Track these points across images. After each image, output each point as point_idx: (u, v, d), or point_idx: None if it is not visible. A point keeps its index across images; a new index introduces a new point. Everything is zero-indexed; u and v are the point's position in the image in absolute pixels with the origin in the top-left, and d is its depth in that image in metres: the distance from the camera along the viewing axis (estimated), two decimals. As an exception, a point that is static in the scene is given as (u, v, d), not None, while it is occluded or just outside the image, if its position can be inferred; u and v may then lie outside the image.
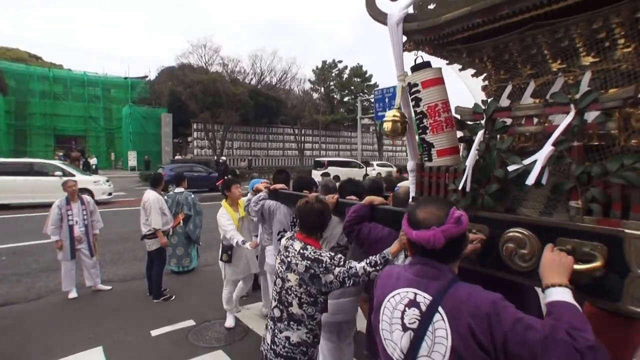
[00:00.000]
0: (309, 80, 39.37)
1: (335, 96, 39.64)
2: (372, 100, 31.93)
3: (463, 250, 1.31)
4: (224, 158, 22.14)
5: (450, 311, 1.13)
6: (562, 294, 1.09)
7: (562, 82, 1.63)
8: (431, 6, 1.73)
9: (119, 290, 5.46)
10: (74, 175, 12.07)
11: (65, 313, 4.69)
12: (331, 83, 39.36)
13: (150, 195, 5.19)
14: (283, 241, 2.33)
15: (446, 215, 1.21)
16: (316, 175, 19.71)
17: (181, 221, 6.01)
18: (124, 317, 4.53)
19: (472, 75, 2.06)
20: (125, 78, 33.05)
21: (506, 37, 1.66)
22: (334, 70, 39.47)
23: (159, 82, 32.83)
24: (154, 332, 4.14)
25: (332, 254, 2.14)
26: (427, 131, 1.86)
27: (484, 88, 2.12)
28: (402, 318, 1.22)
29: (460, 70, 2.05)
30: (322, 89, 39.03)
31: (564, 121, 1.35)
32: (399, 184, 3.52)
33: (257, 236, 4.41)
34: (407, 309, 1.21)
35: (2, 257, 7.03)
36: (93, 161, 25.68)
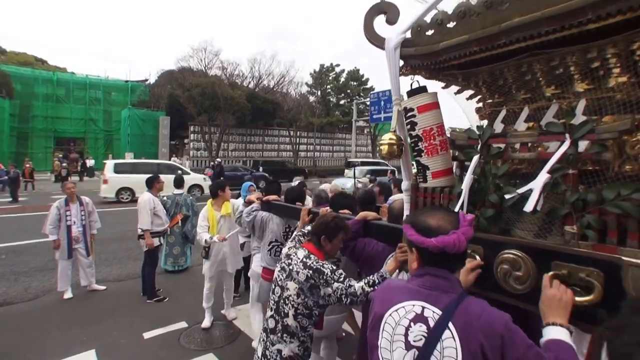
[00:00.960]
0: (306, 84, 39.43)
1: (331, 99, 39.72)
2: (368, 103, 32.14)
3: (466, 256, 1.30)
4: (218, 160, 22.09)
5: (462, 328, 1.07)
6: (561, 334, 1.10)
7: (556, 108, 1.66)
8: (429, 32, 1.75)
9: (113, 290, 5.54)
10: (189, 174, 15.27)
11: (61, 314, 4.74)
12: (328, 86, 39.44)
13: (143, 197, 5.31)
14: (285, 249, 2.34)
15: (458, 219, 1.20)
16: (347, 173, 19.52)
17: (179, 221, 6.14)
18: (118, 319, 4.56)
19: (467, 98, 2.10)
20: (126, 81, 33.12)
21: (502, 64, 1.69)
22: (331, 74, 39.56)
23: (159, 85, 32.77)
24: (147, 335, 4.17)
25: (334, 267, 2.14)
26: (423, 154, 1.88)
27: (477, 110, 2.16)
28: (405, 335, 1.14)
29: (456, 93, 2.09)
30: (319, 92, 39.09)
31: (559, 150, 1.38)
32: (391, 197, 3.57)
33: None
34: (412, 324, 1.13)
35: (1, 255, 7.15)
36: (90, 162, 25.71)
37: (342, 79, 39.64)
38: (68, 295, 5.20)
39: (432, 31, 1.73)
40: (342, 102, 39.90)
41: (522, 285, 1.37)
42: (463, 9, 1.51)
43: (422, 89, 1.92)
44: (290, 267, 2.17)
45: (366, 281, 2.06)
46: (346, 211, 2.86)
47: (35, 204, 13.58)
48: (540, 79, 1.74)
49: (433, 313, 1.12)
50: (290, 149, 35.17)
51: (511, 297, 1.42)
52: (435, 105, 1.87)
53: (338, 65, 39.48)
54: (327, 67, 39.38)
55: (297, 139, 35.15)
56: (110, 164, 14.93)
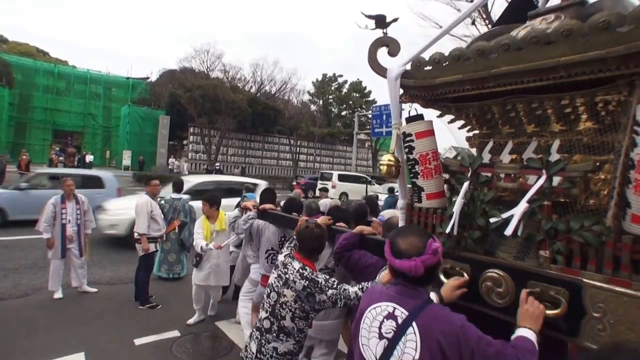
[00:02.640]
0: (308, 92, 39.75)
1: (333, 110, 40.00)
2: (370, 116, 32.31)
3: (436, 275, 1.54)
4: (217, 165, 22.20)
5: (423, 327, 1.32)
6: (527, 333, 1.34)
7: (535, 144, 1.87)
8: (427, 68, 1.97)
9: (104, 293, 5.42)
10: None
11: (50, 313, 4.67)
12: (330, 96, 39.75)
13: (141, 199, 5.21)
14: (281, 257, 2.48)
15: (424, 246, 1.40)
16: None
17: (176, 227, 5.99)
18: (108, 323, 4.50)
19: (459, 128, 2.31)
20: (127, 78, 33.27)
21: (490, 101, 1.91)
22: (333, 84, 39.91)
23: (160, 84, 32.96)
24: (138, 341, 4.08)
25: (327, 277, 2.31)
26: (419, 176, 2.07)
27: (467, 139, 2.36)
28: (380, 328, 1.40)
29: (449, 122, 2.30)
30: (321, 102, 39.39)
31: (537, 183, 1.58)
32: (383, 212, 3.76)
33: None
34: (385, 320, 1.40)
35: None
36: (89, 158, 25.68)
37: (345, 90, 39.97)
38: (58, 295, 5.09)
39: (430, 67, 1.94)
40: (343, 113, 40.17)
41: (502, 299, 1.58)
42: (458, 53, 1.72)
43: (420, 117, 2.12)
44: (287, 276, 2.32)
45: (360, 287, 2.23)
46: (342, 224, 3.03)
47: None
48: (522, 117, 1.95)
49: (401, 313, 1.38)
50: (290, 157, 35.25)
51: (493, 309, 1.63)
52: (431, 133, 2.07)
53: (341, 75, 39.87)
54: (330, 77, 39.72)
55: (298, 148, 35.23)
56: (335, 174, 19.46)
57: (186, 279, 6.17)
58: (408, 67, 2.11)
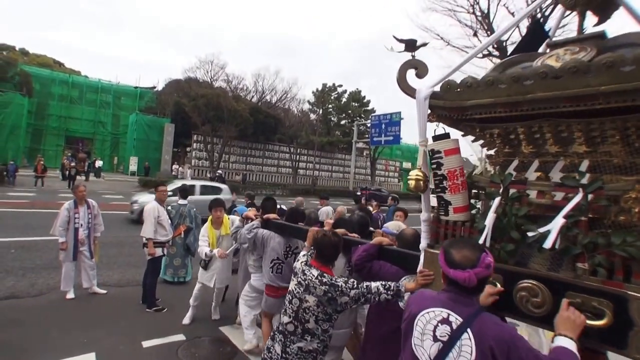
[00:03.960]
0: (308, 102, 40.10)
1: (332, 118, 40.30)
2: (369, 125, 32.56)
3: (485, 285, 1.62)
4: (219, 172, 22.31)
5: (477, 333, 1.43)
6: (568, 344, 1.41)
7: (562, 164, 1.98)
8: (457, 90, 2.07)
9: (113, 294, 5.62)
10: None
11: (63, 313, 4.86)
12: (329, 106, 40.06)
13: (149, 205, 5.36)
14: (298, 265, 2.59)
15: (478, 259, 1.50)
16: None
17: (182, 233, 6.16)
18: (117, 324, 4.64)
19: (481, 146, 2.42)
20: (135, 87, 34.32)
21: (518, 123, 2.01)
22: (333, 94, 40.26)
23: (166, 93, 33.49)
24: (145, 343, 4.21)
25: (346, 279, 2.41)
26: (446, 191, 2.17)
27: (489, 157, 2.47)
28: (434, 331, 1.51)
29: (472, 141, 2.41)
30: (320, 111, 39.67)
31: (573, 199, 1.67)
32: (387, 224, 3.83)
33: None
34: (439, 324, 1.51)
35: (11, 250, 7.31)
36: (99, 163, 26.57)
37: (344, 99, 40.32)
38: (70, 295, 5.30)
39: (461, 90, 2.05)
40: (342, 122, 40.46)
41: (539, 309, 1.66)
42: (491, 79, 1.83)
43: (446, 135, 2.23)
44: (307, 282, 2.42)
45: (382, 284, 2.35)
46: (355, 235, 3.13)
47: (45, 200, 13.86)
48: (548, 138, 2.05)
49: (456, 319, 1.49)
50: (290, 165, 35.40)
51: (528, 318, 1.72)
52: (458, 150, 2.17)
53: (340, 85, 40.32)
54: (329, 86, 40.09)
55: (297, 157, 35.43)
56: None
57: (191, 283, 6.30)
58: (437, 88, 2.22)
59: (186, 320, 4.72)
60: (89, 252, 5.49)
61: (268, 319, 3.88)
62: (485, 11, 14.39)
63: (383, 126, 28.91)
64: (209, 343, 4.40)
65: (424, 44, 2.34)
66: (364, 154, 40.96)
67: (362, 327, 3.60)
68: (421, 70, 2.26)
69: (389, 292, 2.32)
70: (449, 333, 1.47)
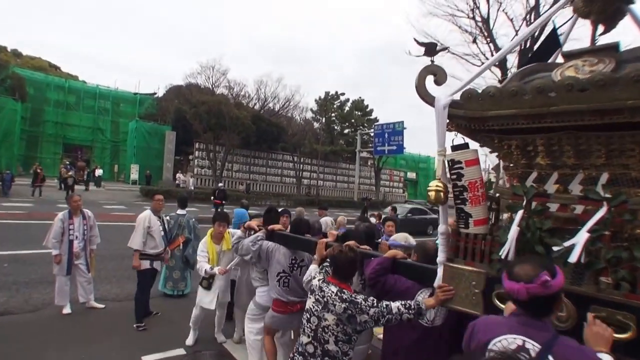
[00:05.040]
0: (311, 110, 40.06)
1: (335, 127, 40.28)
2: (372, 134, 32.60)
3: (556, 310, 1.53)
4: (221, 185, 22.18)
5: (560, 359, 1.36)
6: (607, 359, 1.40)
7: (581, 177, 1.97)
8: (479, 100, 2.07)
9: (111, 309, 5.45)
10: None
11: (60, 329, 4.72)
12: (332, 114, 40.11)
13: (141, 214, 5.13)
14: (315, 282, 2.54)
15: (536, 275, 1.41)
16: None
17: (180, 244, 5.99)
18: (116, 339, 4.52)
19: (498, 157, 2.42)
20: (135, 94, 33.78)
21: (537, 135, 2.01)
22: (336, 102, 40.34)
23: (166, 99, 33.25)
24: (145, 358, 4.12)
25: (365, 296, 2.36)
26: (467, 203, 2.16)
27: (505, 168, 2.46)
28: None
29: (490, 152, 2.41)
30: (323, 120, 39.70)
31: (597, 213, 1.67)
32: (395, 236, 3.78)
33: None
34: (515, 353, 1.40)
35: (4, 264, 7.09)
36: (99, 172, 25.91)
37: (347, 108, 40.41)
38: (67, 310, 5.12)
39: (482, 100, 2.04)
40: (346, 131, 40.47)
41: (564, 323, 1.67)
42: (515, 89, 1.83)
43: (465, 145, 2.23)
44: (325, 300, 2.37)
45: (403, 303, 2.30)
46: (367, 247, 3.08)
47: (42, 211, 13.48)
48: (566, 150, 2.04)
49: (533, 346, 1.39)
50: (294, 174, 35.32)
51: None
52: (478, 161, 2.17)
53: (343, 94, 40.39)
54: (332, 95, 40.20)
55: (301, 166, 35.32)
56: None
57: (190, 296, 6.15)
58: (456, 96, 2.21)
59: (189, 341, 4.55)
60: (85, 265, 5.31)
61: (271, 336, 3.76)
62: (485, 16, 14.49)
63: (386, 135, 28.97)
64: (209, 357, 4.32)
65: (445, 49, 2.37)
66: (368, 163, 40.86)
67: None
68: (440, 76, 2.23)
69: (410, 312, 2.28)
70: None
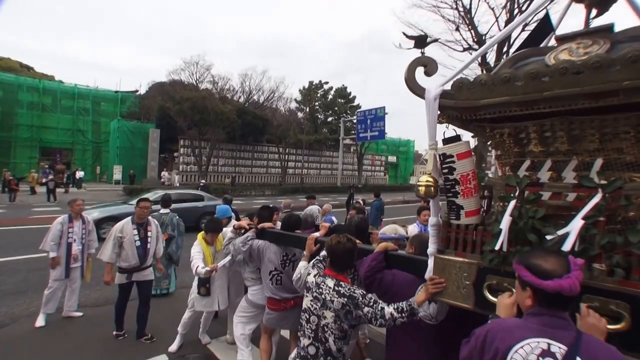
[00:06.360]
0: (295, 100, 40.04)
1: (319, 116, 40.34)
2: (355, 121, 32.75)
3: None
4: (203, 182, 21.82)
5: None
6: None
7: (575, 163, 1.92)
8: (470, 89, 1.99)
9: (90, 317, 5.23)
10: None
11: (34, 344, 4.41)
12: (316, 103, 40.09)
13: (117, 224, 4.74)
14: (311, 278, 2.47)
15: (569, 263, 1.34)
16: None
17: (164, 241, 5.76)
18: (95, 349, 4.31)
19: (490, 147, 2.36)
20: (116, 92, 32.89)
21: (533, 122, 1.95)
22: (319, 91, 40.31)
23: (149, 97, 32.62)
24: None
25: (364, 292, 2.30)
26: (459, 196, 2.10)
27: (497, 157, 2.40)
28: None
29: (484, 143, 2.34)
30: (307, 109, 39.61)
31: (592, 200, 1.63)
32: (384, 229, 3.73)
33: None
34: (540, 358, 1.29)
35: None
36: (80, 174, 25.18)
37: (330, 96, 40.41)
38: (41, 323, 4.85)
39: (474, 88, 1.97)
40: (329, 119, 40.60)
41: None
42: (507, 76, 1.76)
43: (457, 137, 2.16)
44: (323, 297, 2.31)
45: (395, 307, 2.21)
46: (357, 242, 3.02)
47: (14, 217, 12.95)
48: (559, 136, 1.99)
49: (559, 349, 1.28)
50: (279, 165, 35.29)
51: None
52: (470, 154, 2.11)
53: (327, 82, 40.36)
54: (316, 84, 40.10)
55: (286, 156, 35.32)
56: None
57: (175, 294, 6.03)
58: (447, 87, 2.13)
59: (173, 347, 4.36)
60: (80, 270, 5.23)
61: (268, 335, 3.72)
62: (468, 6, 15.07)
63: (368, 122, 29.19)
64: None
65: (435, 40, 2.26)
66: (351, 150, 41.23)
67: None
68: (431, 67, 2.16)
69: (403, 315, 2.19)
70: None
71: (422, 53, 2.19)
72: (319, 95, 40.23)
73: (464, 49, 15.36)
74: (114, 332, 4.63)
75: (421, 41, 2.17)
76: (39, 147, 28.93)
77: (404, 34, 2.28)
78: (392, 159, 49.73)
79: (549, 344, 1.29)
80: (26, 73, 33.85)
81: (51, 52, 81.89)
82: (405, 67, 2.15)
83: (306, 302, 2.44)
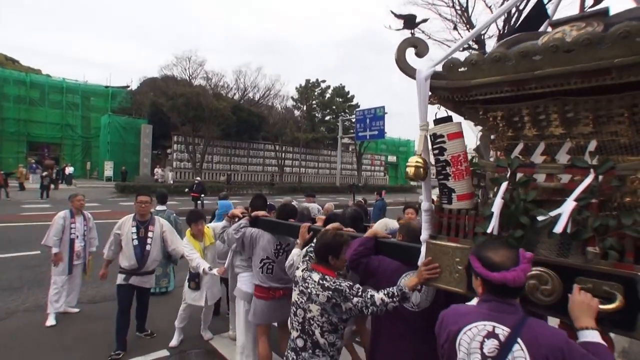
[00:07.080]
0: (292, 98, 39.76)
1: (316, 115, 40.16)
2: (353, 120, 32.66)
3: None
4: (198, 179, 21.72)
5: (529, 342, 1.34)
6: (595, 336, 1.36)
7: (569, 146, 1.90)
8: (461, 69, 1.97)
9: (87, 313, 5.22)
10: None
11: (31, 339, 4.37)
12: (313, 102, 39.90)
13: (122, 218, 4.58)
14: (299, 272, 2.45)
15: (518, 256, 1.44)
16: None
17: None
18: (94, 346, 4.27)
19: (482, 129, 2.33)
20: (106, 87, 32.47)
21: (526, 103, 1.93)
22: (316, 89, 40.08)
23: (141, 92, 32.24)
24: None
25: (351, 283, 2.27)
26: (450, 178, 2.07)
27: (491, 142, 2.38)
28: (481, 348, 1.40)
29: (475, 125, 2.32)
30: (304, 107, 39.44)
31: (584, 181, 1.60)
32: (381, 221, 3.71)
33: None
34: (485, 339, 1.40)
35: None
36: (69, 170, 24.87)
37: (328, 95, 40.25)
38: (51, 322, 4.78)
39: (465, 69, 1.95)
40: (327, 118, 40.43)
41: (548, 297, 1.60)
42: (498, 55, 1.73)
43: (449, 118, 2.14)
44: (309, 290, 2.29)
45: (386, 292, 2.20)
46: (350, 229, 2.97)
47: (3, 213, 12.75)
48: (552, 119, 1.97)
49: (503, 330, 1.39)
50: (276, 163, 35.14)
51: (537, 307, 1.63)
52: (461, 134, 2.09)
53: (324, 81, 40.16)
54: (313, 82, 39.91)
55: (283, 154, 35.19)
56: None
57: (174, 293, 6.00)
58: (438, 67, 2.11)
59: (174, 342, 4.34)
60: (82, 267, 5.17)
61: (265, 336, 3.64)
62: (465, 5, 14.94)
63: (367, 121, 29.13)
64: (195, 356, 4.18)
65: (424, 20, 2.24)
66: (350, 149, 41.12)
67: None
68: (421, 48, 2.14)
69: (394, 300, 2.18)
70: (497, 347, 1.36)
71: (412, 33, 2.17)
72: (316, 93, 40.05)
73: (464, 49, 15.25)
74: (111, 353, 4.11)
75: (410, 21, 2.15)
76: (27, 141, 28.63)
77: (393, 12, 2.24)
78: (392, 158, 49.68)
79: (494, 327, 1.41)
80: (11, 66, 32.86)
81: (37, 46, 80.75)
82: (395, 48, 2.13)
83: (294, 296, 2.44)
